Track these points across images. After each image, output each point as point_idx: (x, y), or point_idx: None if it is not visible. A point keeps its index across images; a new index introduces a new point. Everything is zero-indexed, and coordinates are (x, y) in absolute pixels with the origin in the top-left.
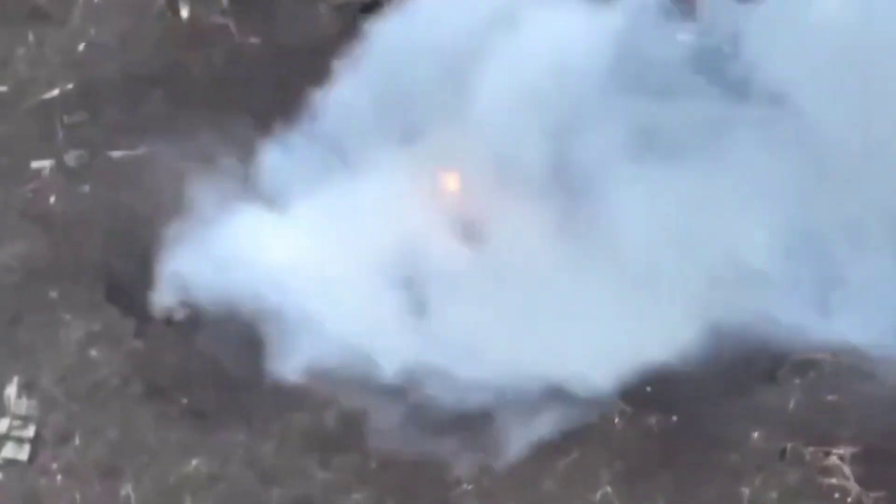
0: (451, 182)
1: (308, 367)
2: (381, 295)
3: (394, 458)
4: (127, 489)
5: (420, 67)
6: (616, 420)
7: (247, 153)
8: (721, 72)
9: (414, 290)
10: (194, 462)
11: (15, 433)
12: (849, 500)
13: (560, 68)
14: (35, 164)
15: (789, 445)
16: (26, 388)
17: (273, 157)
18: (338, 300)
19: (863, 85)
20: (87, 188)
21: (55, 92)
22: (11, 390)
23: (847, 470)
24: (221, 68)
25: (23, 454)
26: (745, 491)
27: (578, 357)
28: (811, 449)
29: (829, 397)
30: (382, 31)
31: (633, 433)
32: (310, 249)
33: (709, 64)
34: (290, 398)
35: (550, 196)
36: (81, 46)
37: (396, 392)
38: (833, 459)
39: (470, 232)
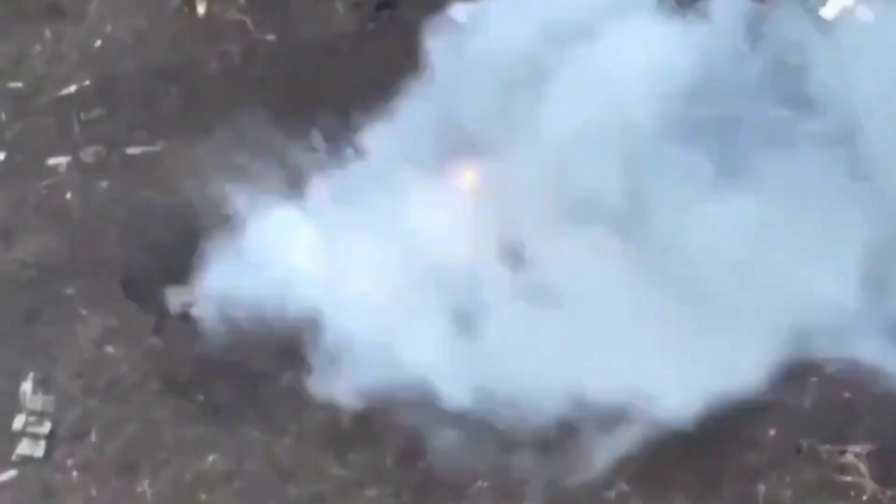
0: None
1: (360, 390)
2: (435, 318)
3: (409, 455)
4: (143, 485)
5: (483, 85)
6: None
7: (266, 152)
8: (793, 95)
9: (468, 316)
10: (211, 458)
11: (31, 429)
12: (864, 497)
13: (644, 90)
14: (51, 161)
15: (805, 443)
16: (42, 385)
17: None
18: (391, 325)
19: None
20: (104, 184)
21: (72, 88)
22: (27, 386)
23: (863, 467)
24: (238, 65)
25: (38, 451)
26: (762, 488)
27: (650, 389)
28: (827, 447)
29: (845, 395)
30: (443, 48)
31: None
32: (353, 269)
33: (780, 86)
34: (306, 395)
35: (621, 224)
36: (98, 43)
37: (458, 417)
38: (849, 457)
39: (526, 261)
